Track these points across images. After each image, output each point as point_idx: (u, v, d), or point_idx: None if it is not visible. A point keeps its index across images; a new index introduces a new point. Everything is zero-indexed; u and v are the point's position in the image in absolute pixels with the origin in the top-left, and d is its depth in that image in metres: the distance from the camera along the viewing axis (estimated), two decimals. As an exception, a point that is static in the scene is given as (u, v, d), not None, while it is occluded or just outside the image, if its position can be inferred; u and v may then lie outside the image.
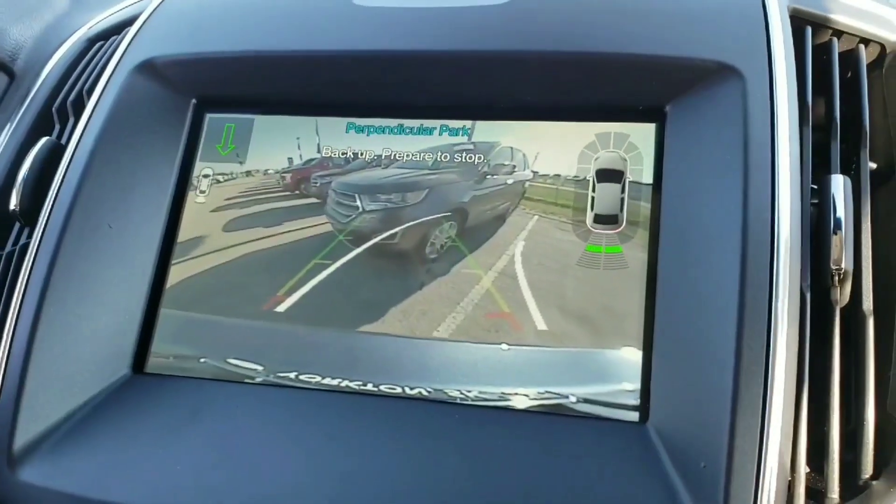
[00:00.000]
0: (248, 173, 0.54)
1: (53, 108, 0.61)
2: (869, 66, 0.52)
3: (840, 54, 0.51)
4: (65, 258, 0.49)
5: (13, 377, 0.47)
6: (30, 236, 0.54)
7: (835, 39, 0.51)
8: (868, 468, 0.42)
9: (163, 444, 0.46)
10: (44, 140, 0.56)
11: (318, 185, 0.53)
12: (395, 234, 0.51)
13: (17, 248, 0.53)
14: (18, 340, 0.47)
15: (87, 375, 0.49)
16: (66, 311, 0.49)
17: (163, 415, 0.48)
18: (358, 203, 0.52)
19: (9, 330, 0.48)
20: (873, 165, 0.49)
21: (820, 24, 0.52)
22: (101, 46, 0.64)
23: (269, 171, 0.54)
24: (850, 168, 0.49)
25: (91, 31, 0.67)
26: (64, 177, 0.52)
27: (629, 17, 0.50)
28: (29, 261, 0.50)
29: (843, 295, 0.44)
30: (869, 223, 0.46)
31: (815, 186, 0.46)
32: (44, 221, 0.50)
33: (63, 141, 0.57)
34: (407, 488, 0.43)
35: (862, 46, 0.52)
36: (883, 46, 0.52)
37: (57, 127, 0.60)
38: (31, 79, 0.65)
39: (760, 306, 0.40)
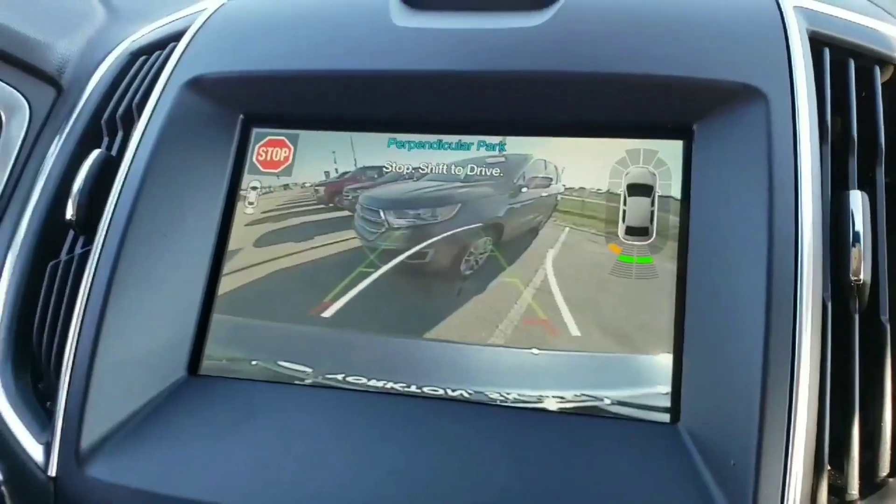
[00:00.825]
0: (295, 186, 0.57)
1: (102, 121, 0.63)
2: (884, 85, 0.55)
3: (856, 74, 0.54)
4: (125, 266, 0.52)
5: (79, 380, 0.49)
6: (85, 246, 0.57)
7: (851, 60, 0.54)
8: (885, 466, 0.44)
9: (218, 442, 0.49)
10: (96, 153, 0.59)
11: (349, 198, 0.56)
12: (428, 250, 0.53)
13: (76, 256, 0.56)
14: (83, 345, 0.50)
15: (147, 377, 0.51)
16: (126, 316, 0.51)
17: (218, 414, 0.50)
18: (382, 219, 0.55)
19: (73, 335, 0.51)
20: (887, 180, 0.52)
21: (837, 46, 0.54)
22: (145, 61, 0.66)
23: (314, 184, 0.57)
24: (866, 183, 0.51)
25: (133, 46, 0.69)
26: (122, 189, 0.54)
27: (658, 39, 0.53)
28: (91, 269, 0.52)
29: (861, 304, 0.47)
30: (885, 236, 0.48)
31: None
32: (104, 231, 0.53)
33: (114, 153, 0.60)
34: (449, 485, 0.45)
35: (877, 67, 0.54)
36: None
37: (106, 139, 0.63)
38: (78, 92, 0.68)
39: (786, 314, 0.43)
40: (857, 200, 0.47)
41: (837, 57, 0.54)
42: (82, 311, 0.51)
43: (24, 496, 0.52)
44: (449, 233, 0.53)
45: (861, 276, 0.46)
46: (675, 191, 0.51)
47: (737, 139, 0.49)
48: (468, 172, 0.54)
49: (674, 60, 0.51)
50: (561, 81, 0.53)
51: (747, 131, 0.49)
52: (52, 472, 0.49)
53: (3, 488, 0.52)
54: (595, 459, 0.45)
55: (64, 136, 0.64)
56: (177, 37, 0.64)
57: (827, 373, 0.44)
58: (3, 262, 0.59)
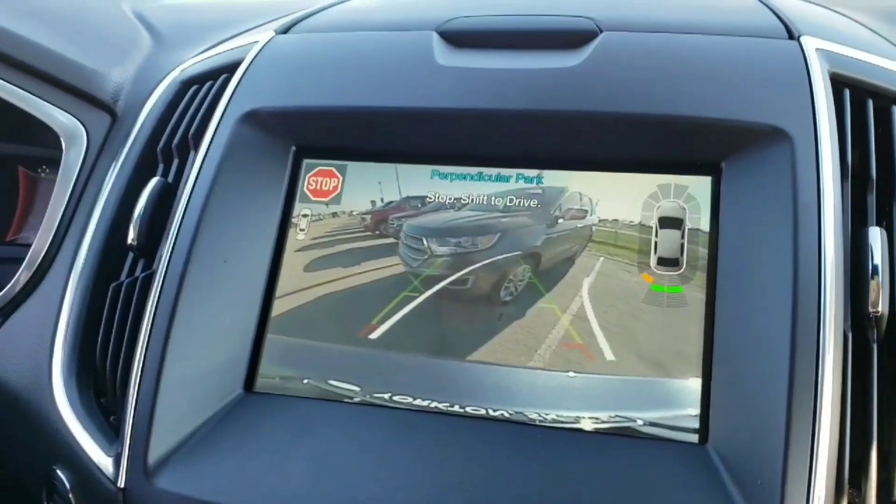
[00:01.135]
0: (343, 214, 0.61)
1: (158, 150, 0.67)
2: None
3: (876, 113, 0.57)
4: (187, 289, 0.56)
5: (147, 396, 0.53)
6: (145, 269, 0.60)
7: (870, 101, 0.57)
8: (900, 486, 0.48)
9: (274, 456, 0.52)
10: (155, 180, 0.63)
11: (394, 226, 0.59)
12: (469, 277, 0.57)
13: (139, 278, 0.59)
14: (150, 363, 0.54)
15: (207, 394, 0.55)
16: (189, 336, 0.55)
17: (274, 430, 0.54)
18: (425, 246, 0.58)
19: (140, 353, 0.54)
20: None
21: (857, 87, 0.57)
22: (197, 90, 0.70)
23: (361, 213, 0.60)
24: (883, 217, 0.54)
25: (184, 75, 0.73)
26: (183, 215, 0.58)
27: (688, 81, 0.56)
28: (156, 291, 0.56)
29: (879, 334, 0.50)
30: (901, 268, 0.52)
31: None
32: (168, 255, 0.57)
33: (170, 180, 0.64)
34: (491, 498, 0.49)
35: (894, 106, 0.57)
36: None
37: (161, 167, 0.67)
38: (132, 119, 0.71)
39: (809, 343, 0.47)
40: (876, 236, 0.51)
41: (857, 97, 0.57)
42: (148, 330, 0.55)
43: (92, 504, 0.55)
44: (489, 260, 0.57)
45: (879, 308, 0.49)
46: (704, 224, 0.54)
47: (763, 177, 0.52)
48: (507, 203, 0.58)
49: (703, 102, 0.55)
50: (595, 120, 0.56)
51: (773, 170, 0.52)
52: (122, 483, 0.52)
53: (70, 496, 0.56)
54: (628, 477, 0.49)
55: (120, 162, 0.68)
56: (228, 68, 0.67)
57: (847, 399, 0.47)
58: (66, 284, 0.63)
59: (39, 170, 0.80)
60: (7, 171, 0.78)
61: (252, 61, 0.65)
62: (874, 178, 0.54)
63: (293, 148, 0.62)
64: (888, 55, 0.61)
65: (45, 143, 0.73)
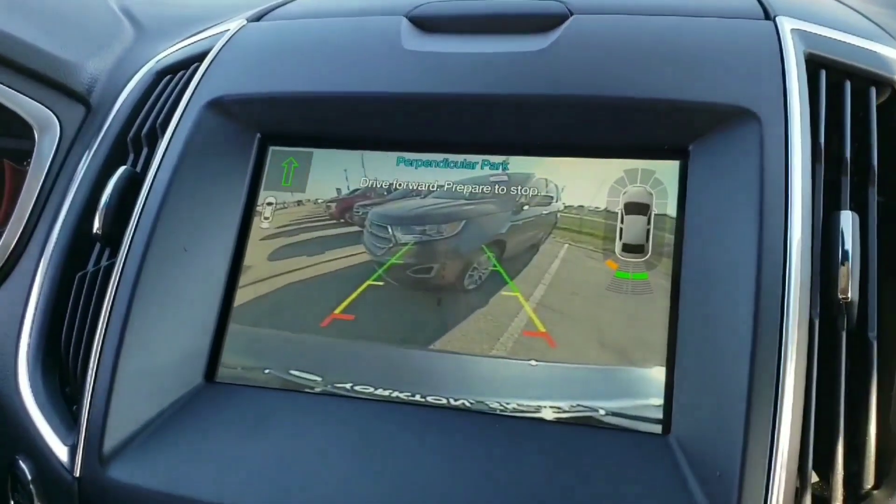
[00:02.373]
0: (308, 201, 0.60)
1: (128, 139, 0.67)
2: (880, 105, 0.56)
3: (853, 95, 0.55)
4: (147, 278, 0.55)
5: (103, 384, 0.52)
6: (110, 258, 0.60)
7: (847, 82, 0.55)
8: (870, 479, 0.46)
9: (233, 446, 0.52)
10: (122, 169, 0.62)
11: (359, 214, 0.58)
12: (433, 265, 0.56)
13: (102, 268, 0.59)
14: (107, 351, 0.53)
15: (166, 384, 0.54)
16: (148, 325, 0.54)
17: (233, 420, 0.53)
18: (390, 234, 0.57)
19: (98, 342, 0.54)
20: (881, 199, 0.53)
21: (833, 68, 0.55)
22: (170, 80, 0.69)
23: (326, 201, 0.59)
24: (862, 203, 0.53)
25: (158, 65, 0.73)
26: (144, 204, 0.57)
27: (657, 63, 0.54)
28: (114, 280, 0.55)
29: (849, 321, 0.48)
30: (876, 255, 0.50)
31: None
32: (127, 244, 0.56)
33: (139, 170, 0.63)
34: (449, 489, 0.48)
35: (873, 88, 0.55)
36: (893, 87, 0.56)
37: (131, 156, 0.66)
38: (106, 110, 0.71)
39: (772, 330, 0.45)
40: (848, 220, 0.49)
41: (834, 78, 0.55)
42: (106, 320, 0.54)
43: (50, 495, 0.55)
44: (453, 248, 0.56)
45: (849, 295, 0.47)
46: (671, 210, 0.53)
47: (730, 160, 0.51)
48: (472, 190, 0.57)
49: (671, 84, 0.53)
50: (562, 104, 0.55)
51: (740, 152, 0.51)
52: (77, 472, 0.52)
53: (31, 487, 0.55)
54: (588, 468, 0.47)
55: (92, 152, 0.68)
56: (199, 57, 0.67)
57: (812, 387, 0.46)
58: (35, 273, 0.63)
59: (25, 163, 0.80)
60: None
61: (221, 49, 0.65)
62: (848, 160, 0.52)
63: (258, 135, 0.61)
64: (870, 36, 0.59)
65: (32, 136, 0.73)
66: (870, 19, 0.64)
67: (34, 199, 0.67)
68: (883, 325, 0.49)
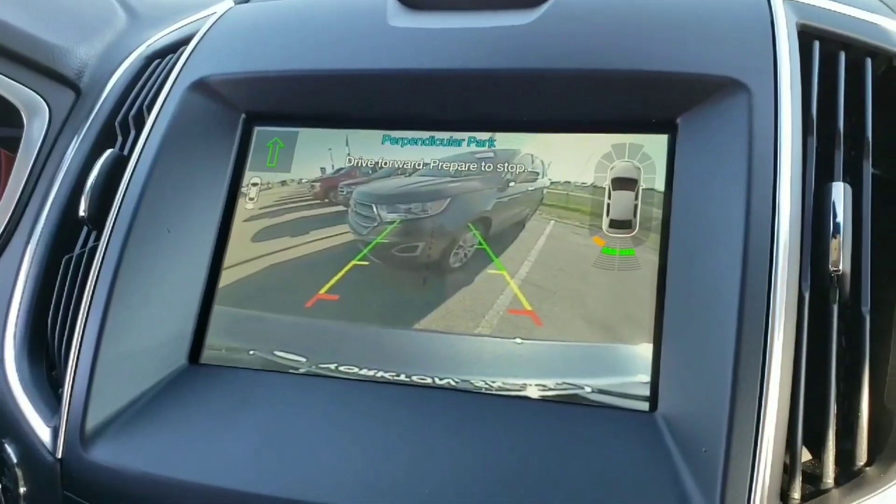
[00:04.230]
0: (293, 182, 0.59)
1: (116, 122, 0.66)
2: (878, 77, 0.55)
3: (848, 66, 0.54)
4: (129, 260, 0.55)
5: (85, 367, 0.52)
6: (97, 240, 0.60)
7: (842, 53, 0.54)
8: (863, 456, 0.45)
9: (217, 428, 0.51)
10: (108, 152, 0.62)
11: (344, 193, 0.58)
12: (418, 244, 0.55)
13: (87, 250, 0.58)
14: (89, 334, 0.53)
15: (150, 365, 0.54)
16: (130, 307, 0.54)
17: (217, 401, 0.53)
18: (375, 213, 0.56)
19: (80, 324, 0.54)
20: (877, 172, 0.52)
21: (827, 38, 0.54)
22: (159, 64, 0.69)
23: (311, 180, 0.59)
24: (859, 174, 0.51)
25: (149, 50, 0.72)
26: (127, 186, 0.57)
27: (643, 35, 0.53)
28: (97, 262, 0.55)
29: (842, 295, 0.47)
30: (869, 227, 0.48)
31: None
32: (110, 227, 0.56)
33: (126, 153, 0.63)
34: (435, 467, 0.47)
35: (868, 59, 0.54)
36: (890, 58, 0.55)
37: (119, 139, 0.66)
38: (96, 95, 0.71)
39: (759, 304, 0.44)
40: (840, 192, 0.48)
41: (828, 49, 0.54)
42: (89, 302, 0.54)
43: (34, 477, 0.54)
44: (439, 226, 0.55)
45: (840, 268, 0.46)
46: (659, 184, 0.52)
47: (719, 132, 0.50)
48: (458, 168, 0.56)
49: (659, 56, 0.52)
50: (548, 79, 0.54)
51: (729, 124, 0.49)
52: (59, 454, 0.52)
53: (17, 470, 0.55)
54: (574, 445, 0.47)
55: (81, 136, 0.67)
56: (187, 40, 0.66)
57: (802, 362, 0.44)
58: (23, 256, 0.62)
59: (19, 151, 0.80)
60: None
61: (207, 31, 0.64)
62: (841, 131, 0.51)
63: (243, 115, 0.61)
64: (866, 7, 0.57)
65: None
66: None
67: (23, 183, 0.67)
68: (877, 299, 0.47)
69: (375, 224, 0.56)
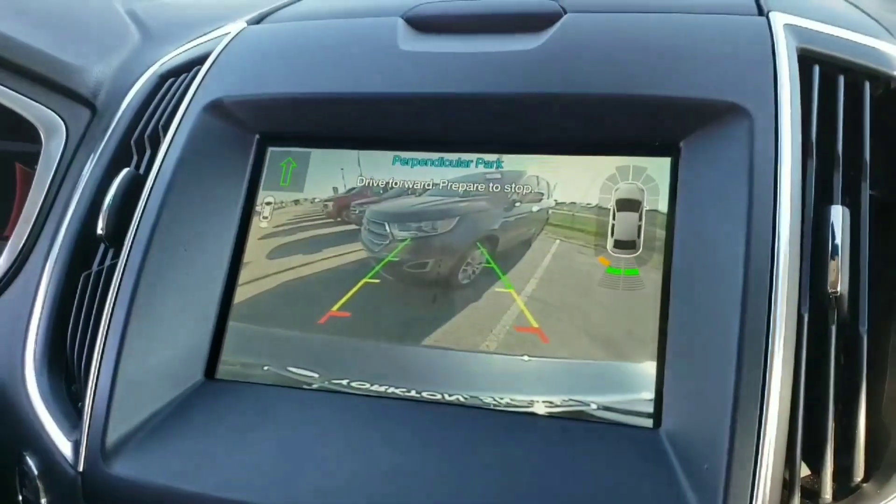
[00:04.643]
0: (306, 201, 0.61)
1: (132, 141, 0.68)
2: (876, 100, 0.56)
3: (847, 89, 0.55)
4: (147, 277, 0.56)
5: (105, 382, 0.54)
6: (114, 258, 0.61)
7: (841, 77, 0.55)
8: (860, 472, 0.46)
9: (234, 442, 0.53)
10: (125, 171, 0.63)
11: (356, 212, 0.59)
12: (428, 260, 0.56)
13: (105, 268, 0.60)
14: (109, 350, 0.54)
15: (167, 381, 0.55)
16: (149, 323, 0.56)
17: (232, 416, 0.54)
18: (387, 231, 0.58)
19: (100, 340, 0.55)
20: (875, 194, 0.53)
21: (827, 62, 0.55)
22: (173, 83, 0.70)
23: (323, 200, 0.60)
24: (857, 196, 0.53)
25: (162, 68, 0.74)
26: (145, 205, 0.58)
27: (647, 60, 0.55)
28: (116, 280, 0.57)
29: (840, 316, 0.48)
30: (867, 249, 0.50)
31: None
32: (129, 245, 0.57)
33: (142, 171, 0.64)
34: (443, 483, 0.48)
35: (867, 82, 0.55)
36: (888, 81, 0.56)
37: (135, 158, 0.67)
38: (111, 113, 0.72)
39: (759, 324, 0.45)
40: (839, 215, 0.49)
41: (828, 73, 0.55)
42: (108, 318, 0.55)
43: (55, 490, 0.56)
44: (448, 244, 0.56)
45: (839, 289, 0.47)
46: (663, 206, 0.53)
47: (721, 156, 0.51)
48: (467, 188, 0.57)
49: (662, 81, 0.54)
50: (554, 102, 0.55)
51: (731, 148, 0.51)
52: (80, 467, 0.53)
53: (38, 482, 0.57)
54: (580, 462, 0.48)
55: (97, 155, 0.69)
56: (200, 60, 0.68)
57: (801, 381, 0.46)
58: (42, 273, 0.64)
59: (36, 166, 0.82)
60: (8, 168, 0.80)
61: (221, 52, 0.66)
62: (840, 155, 0.52)
63: (257, 136, 0.62)
64: (865, 31, 0.59)
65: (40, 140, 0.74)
66: (868, 14, 0.64)
67: (41, 200, 0.68)
68: (875, 320, 0.49)
69: (388, 242, 0.57)
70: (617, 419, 0.50)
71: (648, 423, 0.49)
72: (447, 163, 0.58)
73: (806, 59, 0.55)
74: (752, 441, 0.43)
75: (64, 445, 0.55)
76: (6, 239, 0.77)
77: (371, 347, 0.55)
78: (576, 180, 0.55)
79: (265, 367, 0.57)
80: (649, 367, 0.50)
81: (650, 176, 0.54)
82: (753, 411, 0.44)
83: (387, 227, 0.58)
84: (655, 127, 0.54)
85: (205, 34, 0.76)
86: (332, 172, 0.61)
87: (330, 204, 0.60)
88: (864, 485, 0.46)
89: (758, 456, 0.43)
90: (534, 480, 0.48)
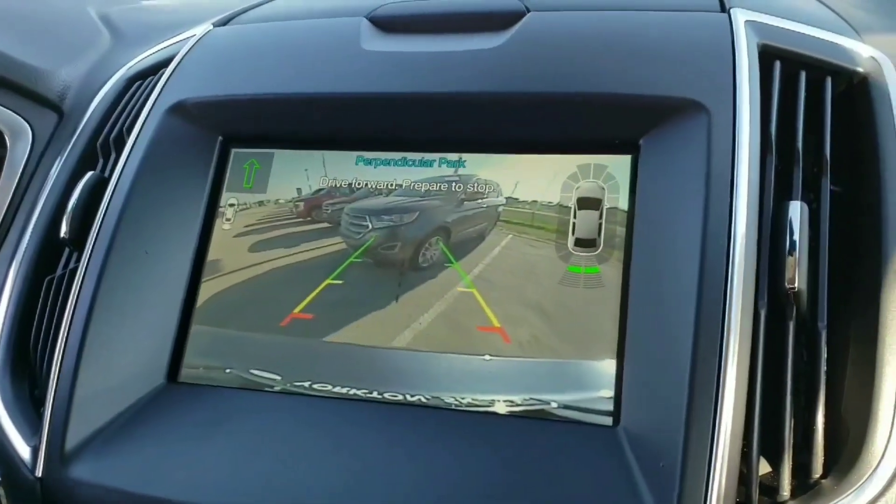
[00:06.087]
0: (269, 202, 0.60)
1: (97, 144, 0.68)
2: (838, 95, 0.56)
3: (809, 85, 0.55)
4: (108, 281, 0.56)
5: (65, 385, 0.53)
6: (77, 261, 0.61)
7: (802, 73, 0.55)
8: (819, 468, 0.46)
9: (195, 445, 0.52)
10: (89, 174, 0.63)
11: (329, 211, 0.59)
12: (395, 245, 0.56)
13: (68, 271, 0.60)
14: (69, 354, 0.54)
15: (128, 384, 0.55)
16: (109, 327, 0.55)
17: (195, 419, 0.54)
18: (368, 223, 0.58)
19: (61, 344, 0.55)
20: (836, 189, 0.53)
21: (788, 59, 0.55)
22: (140, 86, 0.70)
23: (288, 201, 0.60)
24: (811, 191, 0.53)
25: (130, 71, 0.74)
26: (107, 208, 0.58)
27: (607, 58, 0.55)
28: (77, 283, 0.56)
29: (798, 312, 0.48)
30: (827, 244, 0.50)
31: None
32: (90, 248, 0.57)
33: (106, 174, 0.64)
34: (405, 483, 0.48)
35: (829, 78, 0.55)
36: (850, 77, 0.56)
37: (101, 161, 0.67)
38: (78, 116, 0.72)
39: (714, 321, 0.45)
40: (797, 211, 0.49)
41: (789, 69, 0.55)
42: (69, 322, 0.55)
43: (16, 496, 0.56)
44: (409, 244, 0.56)
45: (796, 285, 0.47)
46: (623, 204, 0.53)
47: (679, 153, 0.51)
48: (429, 188, 0.57)
49: (622, 79, 0.54)
50: (515, 101, 0.55)
51: (689, 145, 0.51)
52: (39, 472, 0.53)
53: (0, 489, 0.56)
54: (540, 460, 0.48)
55: (64, 158, 0.69)
56: (167, 63, 0.67)
57: (757, 377, 0.46)
58: (6, 277, 0.64)
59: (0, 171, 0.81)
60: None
61: (186, 54, 0.66)
62: (800, 151, 0.52)
63: (220, 138, 0.62)
64: (828, 27, 0.59)
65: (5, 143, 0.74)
66: (833, 10, 0.64)
67: (6, 205, 0.68)
68: (836, 316, 0.49)
69: (367, 230, 0.57)
70: (577, 417, 0.49)
71: (608, 420, 0.49)
72: (410, 162, 0.58)
73: (767, 56, 0.55)
74: (706, 438, 0.43)
75: (24, 450, 0.55)
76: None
77: (333, 349, 0.55)
78: (537, 179, 0.55)
79: (228, 370, 0.56)
80: (609, 366, 0.50)
81: (611, 174, 0.54)
82: (708, 408, 0.44)
83: (367, 219, 0.58)
84: (616, 125, 0.54)
85: (172, 37, 0.76)
86: (296, 173, 0.60)
87: (293, 205, 0.60)
88: (823, 481, 0.46)
89: (712, 452, 0.43)
90: (493, 480, 0.47)
